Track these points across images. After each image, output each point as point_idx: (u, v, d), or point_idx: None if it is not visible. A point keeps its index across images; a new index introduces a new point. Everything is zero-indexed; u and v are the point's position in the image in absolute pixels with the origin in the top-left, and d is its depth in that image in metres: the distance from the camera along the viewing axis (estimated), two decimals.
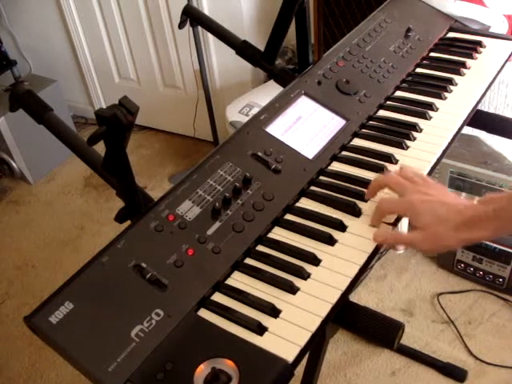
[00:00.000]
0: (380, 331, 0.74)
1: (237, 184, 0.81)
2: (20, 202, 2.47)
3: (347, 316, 0.76)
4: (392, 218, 0.80)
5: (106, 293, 0.67)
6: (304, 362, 0.86)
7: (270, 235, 0.80)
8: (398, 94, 1.07)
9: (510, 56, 1.16)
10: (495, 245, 1.64)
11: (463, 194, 1.73)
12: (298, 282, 0.72)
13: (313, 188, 0.87)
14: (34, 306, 0.66)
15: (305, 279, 0.73)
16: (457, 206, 0.72)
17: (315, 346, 0.90)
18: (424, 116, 1.00)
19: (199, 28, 1.92)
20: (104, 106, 0.69)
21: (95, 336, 0.64)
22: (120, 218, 0.80)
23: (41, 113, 0.85)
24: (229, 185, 0.82)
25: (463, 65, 1.13)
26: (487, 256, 1.68)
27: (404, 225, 1.87)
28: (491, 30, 1.53)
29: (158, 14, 2.30)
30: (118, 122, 0.65)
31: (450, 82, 1.08)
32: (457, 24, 1.27)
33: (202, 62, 2.08)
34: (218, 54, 2.27)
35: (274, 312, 0.68)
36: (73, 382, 1.67)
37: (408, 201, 0.75)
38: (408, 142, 0.94)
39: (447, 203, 0.73)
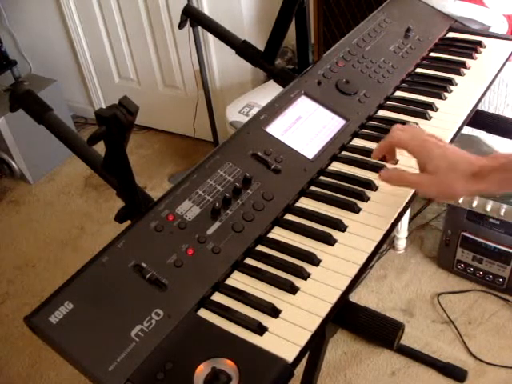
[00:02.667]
0: (380, 331, 0.74)
1: (237, 184, 0.81)
2: (20, 201, 2.47)
3: (347, 316, 0.76)
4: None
5: (105, 293, 0.67)
6: (304, 361, 0.85)
7: (270, 235, 0.80)
8: (398, 94, 1.07)
9: (509, 56, 1.16)
10: (495, 245, 1.64)
11: None
12: (298, 282, 0.72)
13: (313, 188, 0.87)
14: (34, 306, 0.66)
15: (305, 279, 0.73)
16: (468, 156, 0.73)
17: (315, 346, 0.90)
18: (424, 116, 1.00)
19: (199, 28, 1.92)
20: (104, 106, 0.69)
21: (95, 336, 0.64)
22: (120, 217, 0.80)
23: (41, 113, 0.85)
24: (229, 185, 0.82)
25: (463, 65, 1.13)
26: (487, 256, 1.68)
27: (404, 224, 1.87)
28: (491, 30, 1.53)
29: (158, 13, 2.30)
30: (117, 122, 0.65)
31: (450, 82, 1.08)
32: (457, 24, 1.27)
33: (201, 62, 2.08)
34: (218, 54, 2.27)
35: (274, 312, 0.68)
36: (73, 382, 1.67)
37: (423, 140, 0.76)
38: None
39: (458, 153, 0.74)
